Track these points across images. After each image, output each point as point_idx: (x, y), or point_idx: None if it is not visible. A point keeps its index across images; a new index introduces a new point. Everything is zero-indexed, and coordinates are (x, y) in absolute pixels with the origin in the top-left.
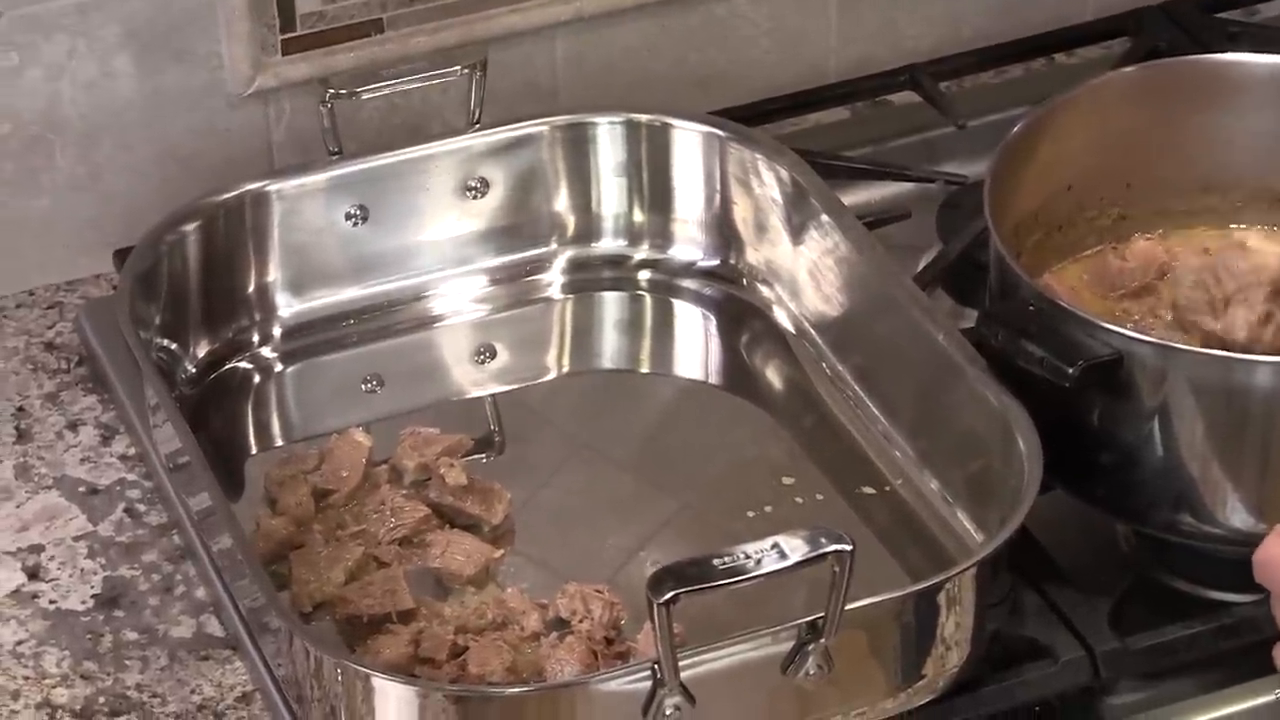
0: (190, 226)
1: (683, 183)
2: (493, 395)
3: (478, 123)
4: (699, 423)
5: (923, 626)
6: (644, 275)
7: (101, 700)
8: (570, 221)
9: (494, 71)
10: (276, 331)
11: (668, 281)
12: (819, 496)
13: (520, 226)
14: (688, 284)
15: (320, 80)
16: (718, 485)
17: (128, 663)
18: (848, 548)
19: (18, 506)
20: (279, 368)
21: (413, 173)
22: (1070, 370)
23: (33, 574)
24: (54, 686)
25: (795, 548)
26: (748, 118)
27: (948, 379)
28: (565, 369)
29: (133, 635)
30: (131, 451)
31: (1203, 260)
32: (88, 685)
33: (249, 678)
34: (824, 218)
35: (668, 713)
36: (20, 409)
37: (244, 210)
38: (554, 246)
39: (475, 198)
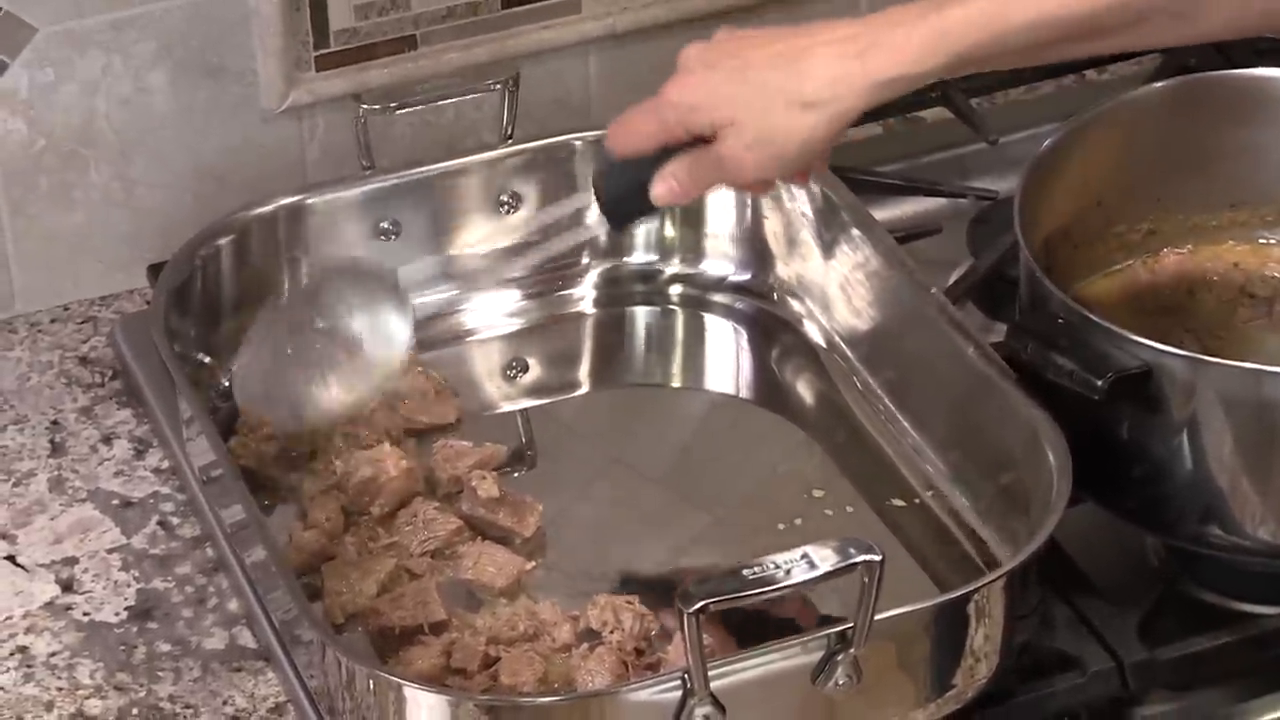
0: (224, 241)
1: (714, 197)
2: (524, 409)
3: (510, 138)
4: (730, 437)
5: (952, 637)
6: (675, 290)
7: (135, 711)
8: (602, 236)
9: (526, 87)
10: None
11: (699, 296)
12: (849, 509)
13: (552, 241)
14: (719, 298)
15: (354, 96)
16: (748, 498)
17: (160, 674)
18: (877, 558)
19: (52, 519)
20: None
21: (445, 187)
22: (1100, 383)
23: (67, 586)
24: (87, 698)
25: (825, 558)
26: None
27: (978, 392)
28: (597, 383)
29: (166, 647)
30: (165, 465)
31: None
32: (121, 696)
33: (281, 689)
34: (855, 232)
35: None
36: (55, 423)
37: (278, 225)
38: (586, 261)
39: (508, 212)
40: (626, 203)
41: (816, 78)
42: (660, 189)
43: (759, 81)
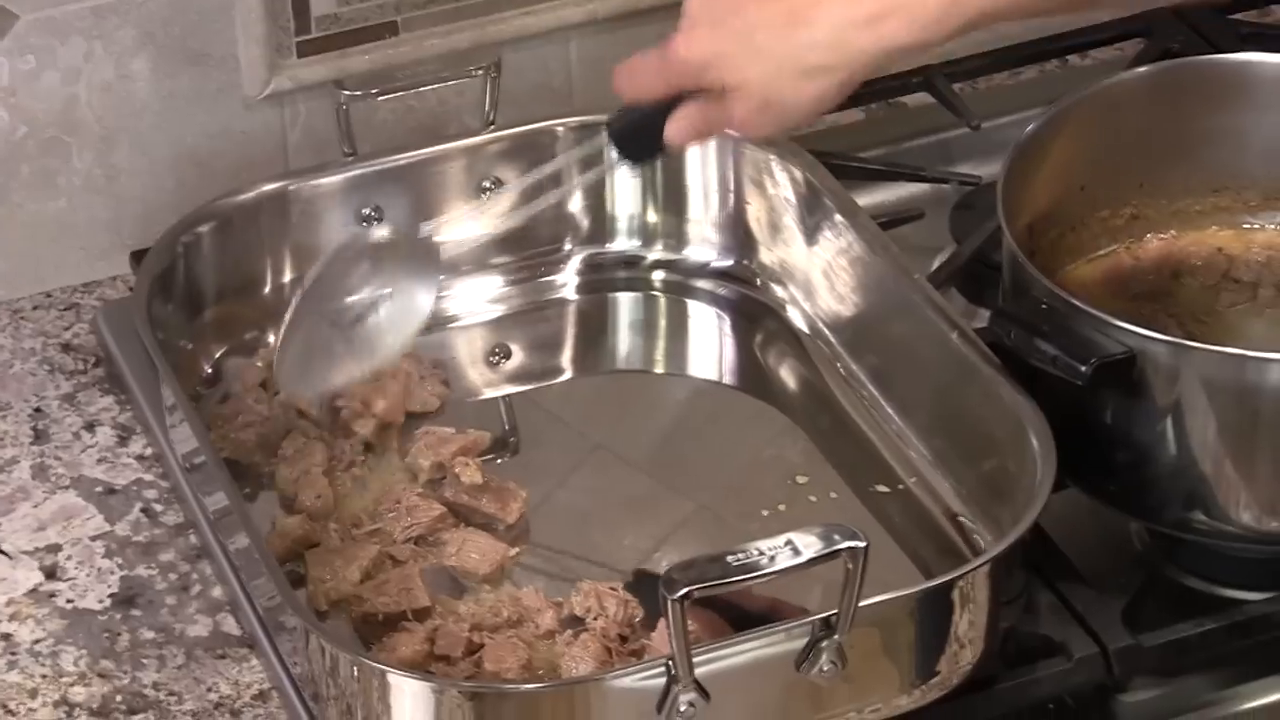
0: (206, 228)
1: (697, 183)
2: (507, 396)
3: (492, 124)
4: (713, 423)
5: (936, 624)
6: (658, 276)
7: (119, 699)
8: (584, 222)
9: (508, 73)
10: None
11: (682, 282)
12: (833, 495)
13: (534, 227)
14: (702, 284)
15: (335, 82)
16: (732, 485)
17: (145, 661)
18: (861, 544)
19: (35, 506)
20: None
21: (428, 174)
22: (1083, 369)
23: (50, 573)
24: (71, 685)
25: (809, 544)
26: None
27: (961, 378)
28: (580, 369)
29: (150, 634)
30: (148, 451)
31: None
32: (105, 684)
33: (265, 676)
34: (838, 218)
35: (682, 709)
36: (38, 409)
37: (260, 212)
38: (568, 247)
39: (490, 198)
40: (639, 141)
41: (825, 44)
42: (674, 133)
43: (766, 47)
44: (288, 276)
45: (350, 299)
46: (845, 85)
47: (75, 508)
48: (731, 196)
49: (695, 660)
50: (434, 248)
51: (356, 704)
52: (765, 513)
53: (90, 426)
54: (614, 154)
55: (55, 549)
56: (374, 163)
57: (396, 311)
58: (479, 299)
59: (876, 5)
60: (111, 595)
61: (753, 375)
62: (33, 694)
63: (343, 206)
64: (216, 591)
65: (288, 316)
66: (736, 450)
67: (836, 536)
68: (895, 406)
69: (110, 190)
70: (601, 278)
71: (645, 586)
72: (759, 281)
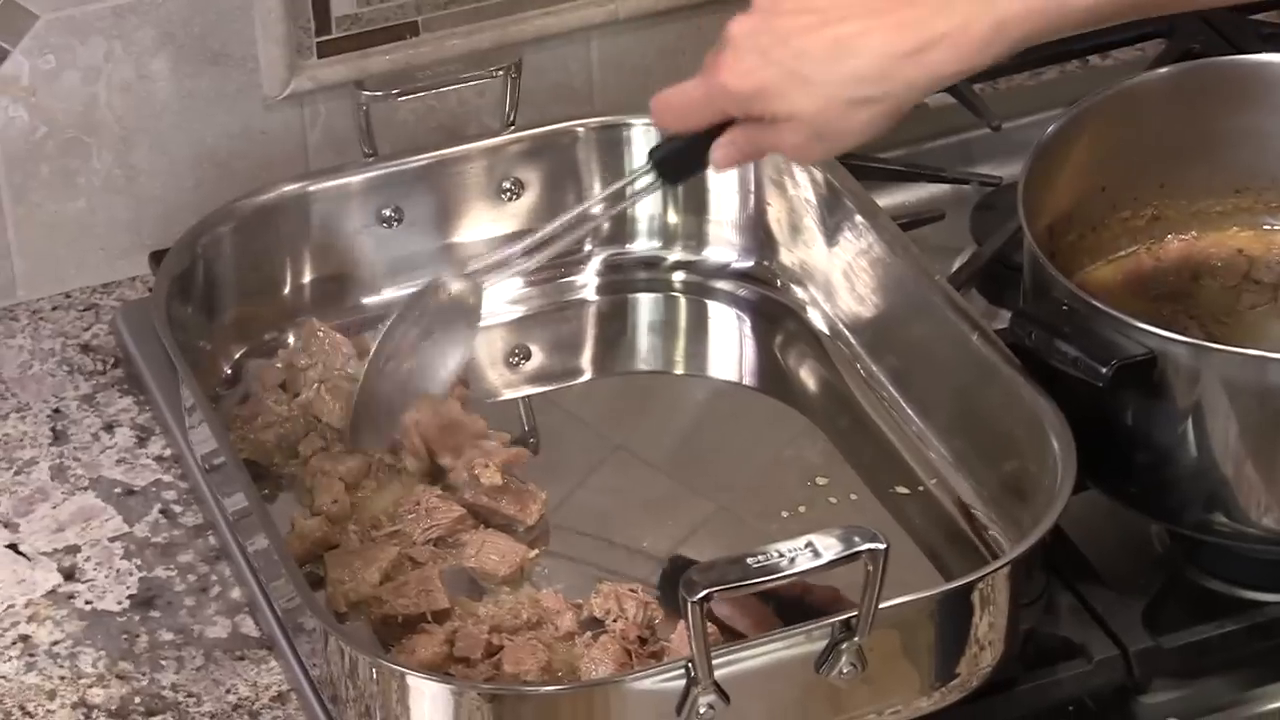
0: (226, 228)
1: (717, 184)
2: (527, 396)
3: (512, 124)
4: (733, 424)
5: (956, 625)
6: (678, 277)
7: (137, 700)
8: (605, 223)
9: (529, 74)
10: None
11: (702, 283)
12: (853, 497)
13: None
14: (722, 285)
15: (356, 83)
16: (752, 486)
17: (163, 663)
18: (881, 546)
19: (54, 507)
20: None
21: (448, 174)
22: (1104, 370)
23: (69, 575)
24: (90, 686)
25: (829, 546)
26: None
27: (982, 379)
28: (599, 370)
29: (168, 635)
30: (167, 453)
31: None
32: (123, 685)
33: (284, 678)
34: (858, 219)
35: (701, 711)
36: (57, 410)
37: (280, 212)
38: (588, 248)
39: (510, 199)
40: (682, 166)
41: (872, 75)
42: (720, 160)
43: (814, 77)
44: (307, 277)
45: (403, 346)
46: (894, 113)
47: (94, 509)
48: (752, 197)
49: (715, 662)
50: (479, 287)
51: (375, 706)
52: (785, 514)
53: (109, 427)
54: (650, 177)
55: (74, 550)
56: (394, 163)
57: (441, 348)
58: (499, 300)
59: (921, 35)
60: (130, 596)
61: (773, 376)
62: (51, 695)
63: (363, 207)
64: (235, 593)
65: (357, 387)
66: (756, 451)
67: (856, 538)
68: (915, 408)
69: (130, 190)
70: (622, 279)
71: (665, 588)
72: (779, 282)
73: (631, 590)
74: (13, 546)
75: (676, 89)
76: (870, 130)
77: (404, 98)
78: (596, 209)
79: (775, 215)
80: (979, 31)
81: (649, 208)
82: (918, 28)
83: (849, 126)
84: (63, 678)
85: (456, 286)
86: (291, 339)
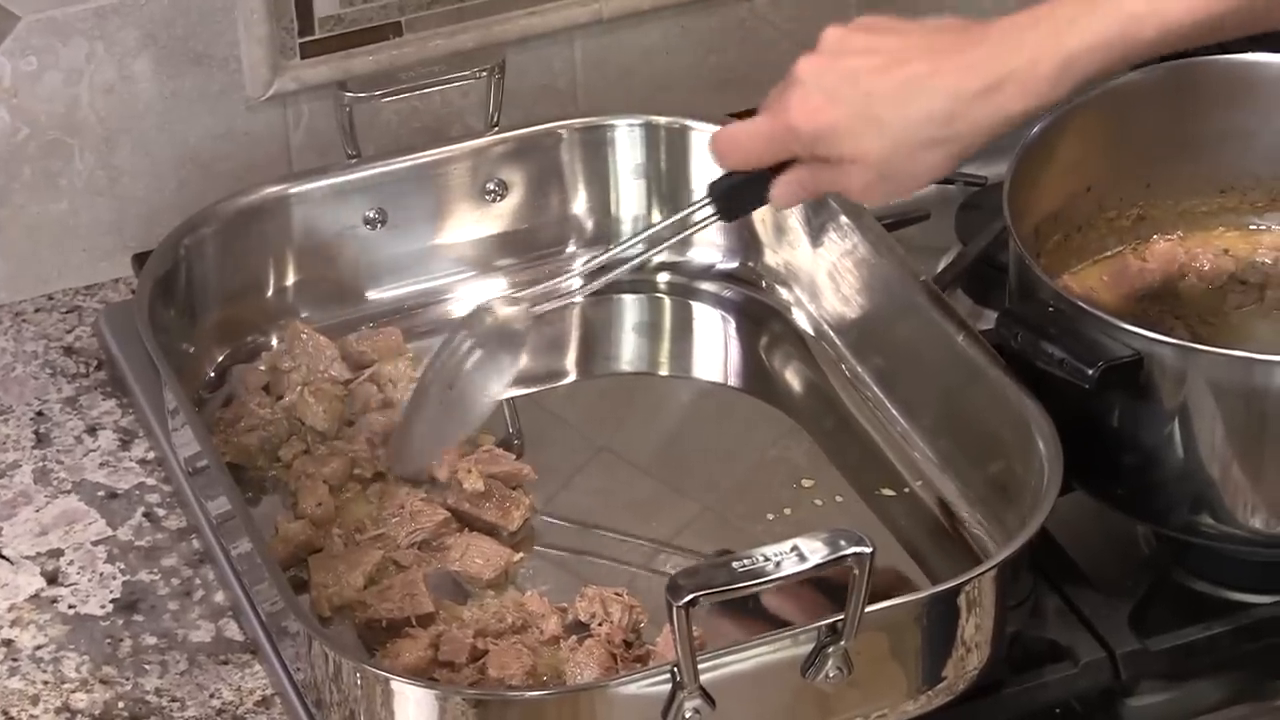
0: (209, 230)
1: (702, 185)
2: (511, 398)
3: (496, 125)
4: (718, 425)
5: (943, 629)
6: (663, 278)
7: (121, 705)
8: (589, 224)
9: (512, 74)
10: None
11: (687, 284)
12: (839, 498)
13: (539, 229)
14: (707, 286)
15: (339, 83)
16: (737, 488)
17: (147, 667)
18: (867, 550)
19: (37, 511)
20: None
21: (431, 176)
22: (1090, 371)
23: (52, 579)
24: (73, 691)
25: (815, 550)
26: None
27: (967, 380)
28: (584, 372)
29: (152, 640)
30: (151, 455)
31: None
32: (107, 690)
33: (268, 682)
34: (843, 219)
35: (687, 715)
36: (40, 413)
37: (263, 214)
38: (573, 249)
39: (494, 200)
40: (741, 201)
41: (942, 115)
42: (781, 198)
43: (884, 119)
44: (291, 279)
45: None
46: (960, 155)
47: (77, 512)
48: None
49: (701, 666)
50: (528, 314)
51: (360, 711)
52: (770, 516)
53: (92, 430)
54: (709, 210)
55: (57, 554)
56: (378, 164)
57: (486, 375)
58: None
59: (990, 75)
60: (114, 600)
61: (758, 377)
62: (34, 700)
63: (346, 208)
64: (219, 597)
65: (406, 402)
66: (741, 453)
67: (842, 542)
68: (901, 409)
69: (112, 192)
70: (606, 279)
71: (650, 591)
72: (764, 283)
73: (616, 594)
74: None
75: (741, 126)
76: (936, 172)
77: (387, 98)
78: (646, 239)
79: (760, 216)
80: (1047, 70)
81: (633, 208)
82: (986, 67)
83: (915, 169)
84: (46, 682)
85: (504, 311)
86: (275, 341)
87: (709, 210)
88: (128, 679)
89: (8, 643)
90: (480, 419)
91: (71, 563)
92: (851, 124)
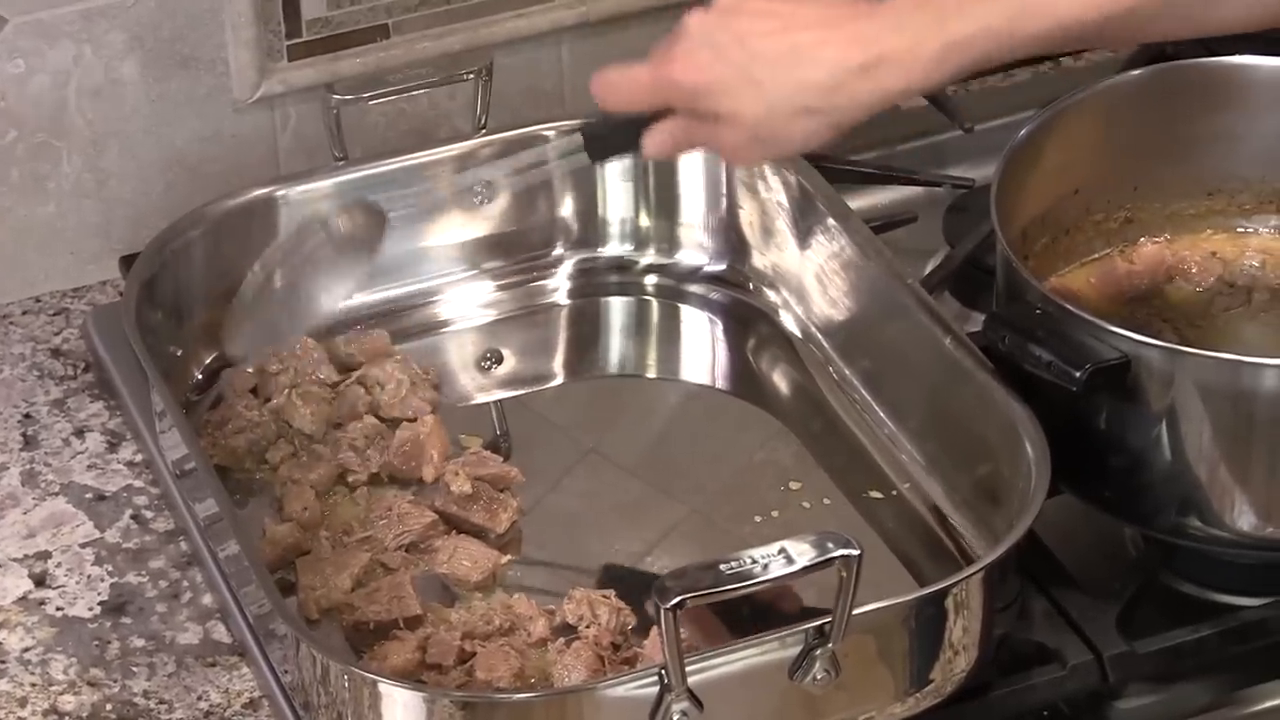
0: (196, 233)
1: (689, 187)
2: (499, 400)
3: (484, 128)
4: (706, 427)
5: (930, 631)
6: (650, 280)
7: (109, 707)
8: (576, 226)
9: (500, 76)
10: None
11: (674, 286)
12: (826, 501)
13: (526, 231)
14: (694, 289)
15: (326, 86)
16: (725, 490)
17: (135, 669)
18: (855, 552)
19: (24, 513)
20: None
21: (419, 178)
22: (1078, 374)
23: (40, 581)
24: (61, 693)
25: (802, 553)
26: None
27: (955, 383)
28: (571, 374)
29: (140, 642)
30: (138, 458)
31: None
32: (95, 692)
33: (256, 684)
34: (830, 222)
35: (675, 717)
36: (27, 415)
37: (250, 216)
38: (560, 251)
39: (481, 203)
40: (611, 144)
41: (823, 87)
42: (652, 146)
43: (765, 81)
44: (278, 282)
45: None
46: (835, 127)
47: (65, 514)
48: (724, 200)
49: (688, 669)
50: (384, 217)
51: (347, 713)
52: (758, 518)
53: (80, 432)
54: (575, 149)
55: (45, 556)
56: (365, 167)
57: (336, 271)
58: (470, 303)
59: (871, 51)
60: (101, 603)
61: (745, 380)
62: (22, 703)
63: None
64: (207, 599)
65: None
66: (729, 455)
67: (830, 544)
68: (888, 411)
69: (100, 194)
70: (593, 282)
71: (638, 593)
72: (751, 286)
73: (604, 596)
74: None
75: (623, 70)
76: (809, 141)
77: (375, 101)
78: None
79: (747, 218)
80: (928, 52)
81: (620, 210)
82: (869, 43)
83: (789, 134)
84: (34, 685)
85: (360, 215)
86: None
87: (575, 149)
88: (115, 681)
89: None
90: (319, 319)
91: (59, 565)
92: (732, 83)
